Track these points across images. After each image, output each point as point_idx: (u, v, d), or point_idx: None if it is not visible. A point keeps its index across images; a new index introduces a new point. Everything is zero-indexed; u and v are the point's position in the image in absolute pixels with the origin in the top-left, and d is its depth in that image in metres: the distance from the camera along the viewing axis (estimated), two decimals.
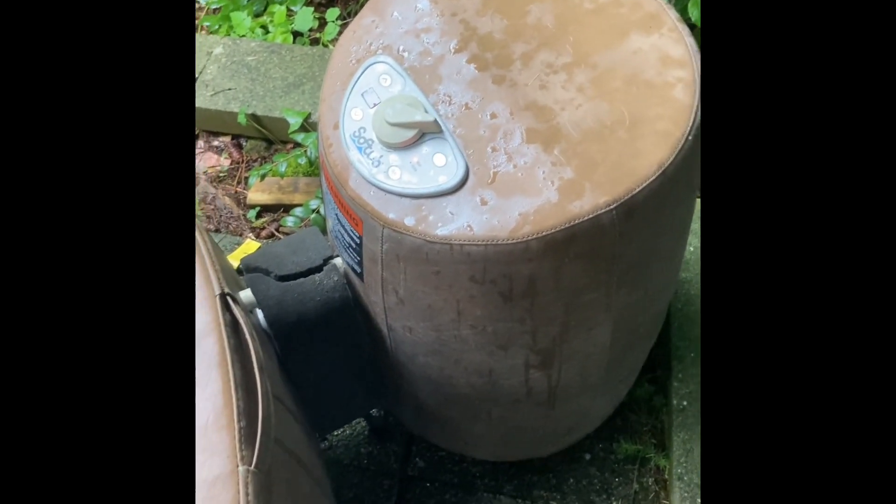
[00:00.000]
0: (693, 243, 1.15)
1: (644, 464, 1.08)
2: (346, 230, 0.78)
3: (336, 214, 0.80)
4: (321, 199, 1.29)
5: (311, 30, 1.55)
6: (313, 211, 1.28)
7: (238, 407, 0.60)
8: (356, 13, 1.41)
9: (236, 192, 1.40)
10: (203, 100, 1.42)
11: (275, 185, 1.36)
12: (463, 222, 0.70)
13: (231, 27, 1.58)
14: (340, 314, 0.83)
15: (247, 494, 0.56)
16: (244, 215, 1.37)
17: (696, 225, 1.12)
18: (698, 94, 0.72)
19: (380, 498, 1.07)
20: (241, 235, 1.34)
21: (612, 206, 0.68)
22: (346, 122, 0.76)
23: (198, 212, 1.37)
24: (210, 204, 1.38)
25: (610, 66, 0.75)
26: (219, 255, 0.76)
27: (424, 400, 0.93)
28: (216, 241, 1.31)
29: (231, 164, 1.43)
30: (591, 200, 0.68)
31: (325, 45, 1.53)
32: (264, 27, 1.57)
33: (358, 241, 0.77)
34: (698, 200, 1.03)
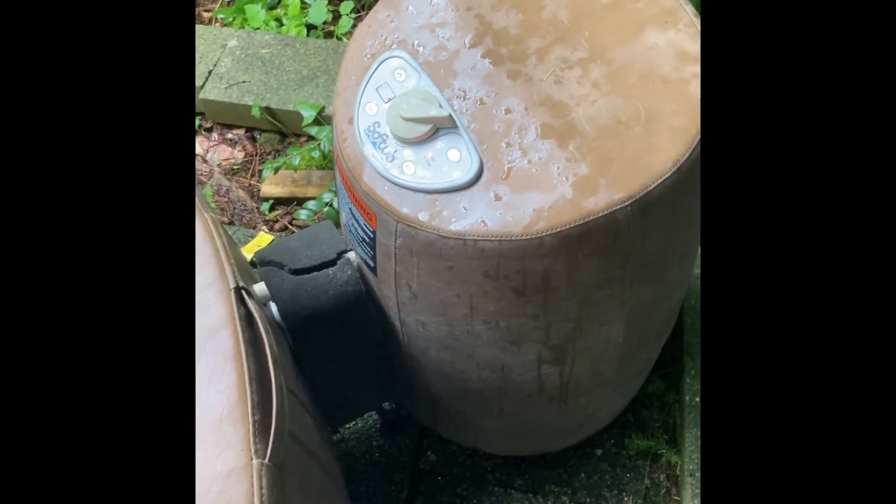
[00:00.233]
0: None
1: (655, 460, 1.08)
2: (359, 224, 0.78)
3: (350, 209, 0.80)
4: (334, 192, 1.29)
5: (325, 23, 1.55)
6: (326, 204, 1.28)
7: (252, 400, 0.61)
8: (370, 6, 1.41)
9: (250, 184, 1.40)
10: (217, 92, 1.43)
11: (288, 178, 1.36)
12: (477, 218, 0.70)
13: (245, 20, 1.58)
14: (353, 308, 0.83)
15: (260, 488, 0.57)
16: (258, 208, 1.37)
17: None
18: None
19: (391, 491, 1.07)
20: (254, 228, 1.34)
21: (626, 203, 0.68)
22: (360, 116, 0.76)
23: (212, 204, 1.37)
24: (224, 196, 1.39)
25: (625, 62, 0.74)
26: (233, 248, 0.76)
27: (436, 394, 0.93)
28: (230, 233, 1.31)
29: (245, 156, 1.44)
30: (606, 197, 0.68)
31: (339, 39, 1.53)
32: (278, 20, 1.57)
33: (371, 235, 0.77)
34: None
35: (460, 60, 0.76)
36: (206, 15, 1.64)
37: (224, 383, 0.61)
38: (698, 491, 1.01)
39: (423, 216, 0.71)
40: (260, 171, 1.41)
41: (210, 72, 1.45)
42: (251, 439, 0.59)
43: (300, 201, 1.35)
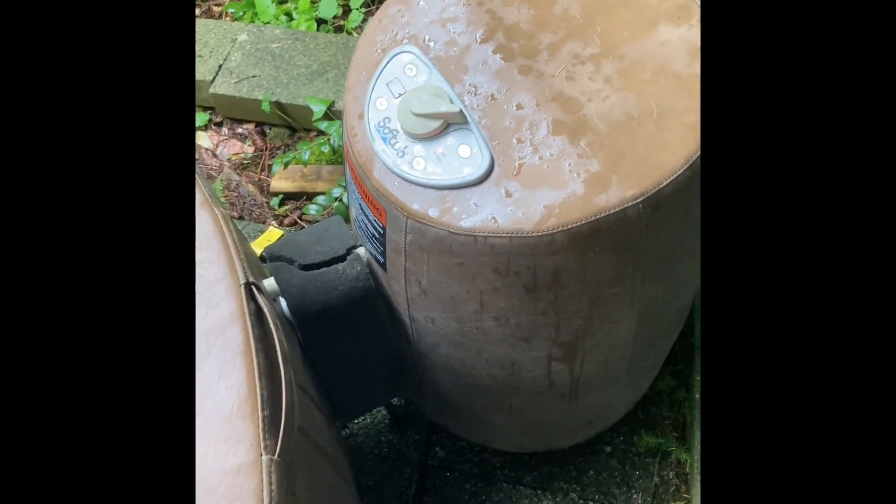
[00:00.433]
0: None
1: (665, 457, 1.08)
2: (369, 220, 0.78)
3: (360, 204, 0.80)
4: (344, 187, 1.29)
5: (335, 17, 1.55)
6: (336, 199, 1.28)
7: (262, 396, 0.61)
8: (381, 1, 1.41)
9: (260, 179, 1.40)
10: (227, 87, 1.43)
11: (298, 172, 1.36)
12: (487, 214, 0.69)
13: (255, 14, 1.58)
14: (363, 304, 0.83)
15: (270, 483, 0.57)
16: (267, 203, 1.37)
17: None
18: None
19: (399, 486, 1.08)
20: (264, 223, 1.34)
21: (638, 200, 0.68)
22: (370, 112, 0.75)
23: (221, 199, 1.37)
24: (234, 191, 1.39)
25: (638, 58, 0.74)
26: (243, 243, 0.76)
27: (445, 390, 0.93)
28: (240, 228, 1.31)
29: (255, 151, 1.44)
30: (618, 193, 0.68)
31: (350, 33, 1.53)
32: (288, 14, 1.57)
33: (381, 231, 0.77)
34: None
35: (471, 56, 0.76)
36: (216, 9, 1.64)
37: (234, 379, 0.61)
38: None
39: (433, 212, 0.70)
40: (270, 166, 1.41)
41: (220, 66, 1.45)
42: (261, 435, 0.59)
43: (310, 196, 1.35)
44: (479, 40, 0.77)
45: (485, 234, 0.69)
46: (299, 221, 1.34)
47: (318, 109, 1.35)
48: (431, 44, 0.77)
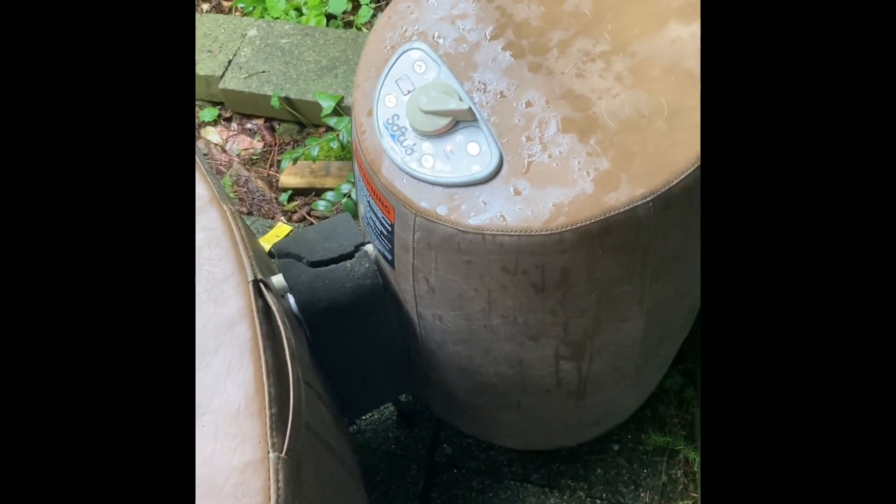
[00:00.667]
0: None
1: (673, 456, 1.08)
2: (377, 217, 0.78)
3: (368, 201, 0.80)
4: (353, 183, 1.29)
5: (344, 12, 1.55)
6: (345, 195, 1.28)
7: (269, 393, 0.61)
8: None
9: (269, 175, 1.40)
10: (237, 82, 1.43)
11: (307, 168, 1.36)
12: (496, 212, 0.69)
13: (265, 9, 1.57)
14: (371, 301, 0.83)
15: (277, 481, 0.57)
16: (276, 198, 1.37)
17: None
18: None
19: (407, 483, 1.08)
20: (272, 218, 1.35)
21: (648, 199, 0.67)
22: (379, 109, 0.75)
23: (230, 194, 1.37)
24: (243, 186, 1.39)
25: (649, 55, 0.73)
26: (251, 239, 0.76)
27: (453, 387, 0.93)
28: (248, 223, 1.31)
29: (264, 146, 1.44)
30: (628, 192, 0.67)
31: (359, 29, 1.53)
32: (298, 9, 1.56)
33: (390, 228, 0.76)
34: None
35: (481, 53, 0.76)
36: (226, 4, 1.64)
37: (241, 376, 0.61)
38: None
39: (441, 210, 0.70)
40: (279, 162, 1.41)
41: (230, 61, 1.45)
42: (268, 433, 0.59)
43: (318, 192, 1.35)
44: (488, 37, 0.76)
45: (493, 232, 0.69)
46: (308, 217, 1.34)
47: (328, 105, 1.35)
48: (441, 40, 0.77)
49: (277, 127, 1.46)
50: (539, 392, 0.88)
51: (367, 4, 1.54)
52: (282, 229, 1.30)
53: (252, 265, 0.68)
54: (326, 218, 1.31)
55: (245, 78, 1.43)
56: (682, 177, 0.68)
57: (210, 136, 1.46)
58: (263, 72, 1.43)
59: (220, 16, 1.55)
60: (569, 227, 0.67)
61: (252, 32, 1.49)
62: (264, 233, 1.30)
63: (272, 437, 0.59)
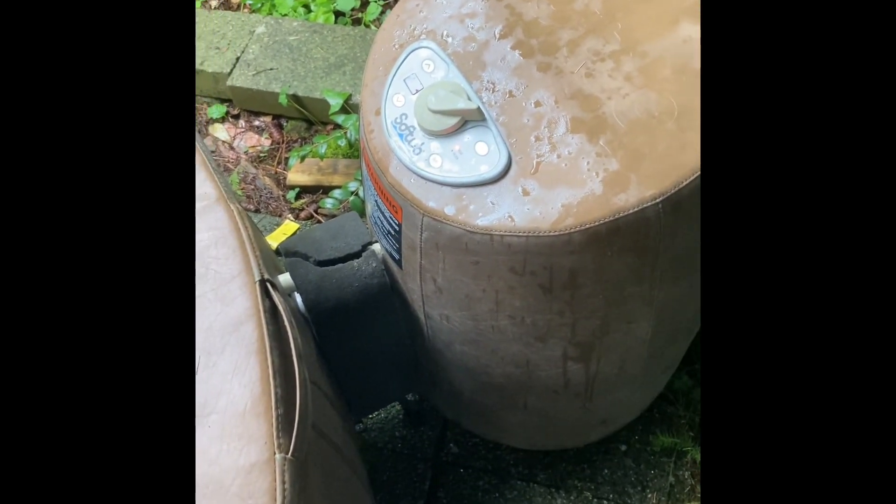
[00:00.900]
0: None
1: (680, 457, 1.07)
2: (385, 217, 0.78)
3: (375, 201, 0.79)
4: (360, 181, 1.29)
5: (353, 9, 1.54)
6: (352, 193, 1.28)
7: (276, 394, 0.60)
8: None
9: (276, 172, 1.40)
10: (245, 79, 1.43)
11: (314, 166, 1.36)
12: (504, 213, 0.69)
13: (273, 6, 1.57)
14: (378, 300, 0.83)
15: (283, 483, 0.56)
16: (284, 196, 1.37)
17: None
18: None
19: (413, 482, 1.07)
20: (280, 216, 1.34)
21: (657, 200, 0.67)
22: (387, 108, 0.75)
23: (238, 191, 1.37)
24: (250, 184, 1.39)
25: (659, 55, 0.73)
26: (258, 237, 0.76)
27: (460, 387, 0.93)
28: (256, 221, 1.31)
29: (271, 144, 1.44)
30: (637, 193, 0.67)
31: (367, 26, 1.52)
32: (306, 6, 1.56)
33: (397, 228, 0.76)
34: None
35: (490, 52, 0.75)
36: (234, 1, 1.64)
37: (248, 377, 0.61)
38: None
39: (449, 210, 0.70)
40: (286, 159, 1.41)
41: (238, 58, 1.45)
42: (274, 434, 0.59)
43: (326, 190, 1.35)
44: (497, 36, 0.76)
45: (501, 232, 0.68)
46: (315, 215, 1.34)
47: (335, 103, 1.35)
48: (449, 39, 0.77)
49: (285, 124, 1.45)
50: (546, 393, 0.88)
51: (375, 2, 1.54)
52: (289, 227, 1.30)
53: (259, 265, 0.68)
54: (334, 216, 1.31)
55: (253, 75, 1.43)
56: (692, 178, 0.67)
57: (218, 133, 1.46)
58: (271, 69, 1.43)
59: (229, 13, 1.55)
60: (577, 228, 0.67)
61: (260, 29, 1.49)
62: (272, 230, 1.30)
63: (278, 437, 0.59)
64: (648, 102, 0.70)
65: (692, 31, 0.74)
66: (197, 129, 1.46)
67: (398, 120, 0.74)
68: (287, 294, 0.80)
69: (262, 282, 0.66)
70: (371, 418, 1.12)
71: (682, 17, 0.75)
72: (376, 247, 0.84)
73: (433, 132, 0.72)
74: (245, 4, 1.61)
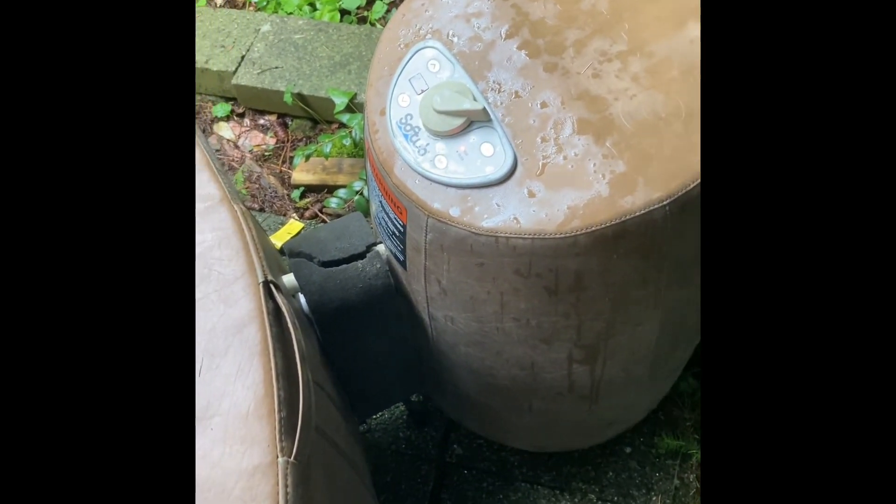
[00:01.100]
0: None
1: (686, 459, 1.06)
2: (389, 218, 0.77)
3: (380, 201, 0.79)
4: (365, 180, 1.28)
5: (358, 8, 1.54)
6: (357, 192, 1.27)
7: (279, 397, 0.60)
8: None
9: (281, 171, 1.40)
10: (250, 78, 1.42)
11: (319, 165, 1.36)
12: (509, 214, 0.68)
13: (279, 4, 1.57)
14: (382, 301, 0.82)
15: (286, 486, 0.56)
16: (288, 195, 1.37)
17: None
18: None
19: (417, 483, 1.07)
20: (284, 215, 1.34)
21: (665, 202, 0.66)
22: (392, 108, 0.74)
23: (242, 190, 1.37)
24: (255, 183, 1.38)
25: (666, 56, 0.72)
26: (262, 238, 0.76)
27: (464, 389, 0.92)
28: (260, 220, 1.31)
29: (276, 143, 1.43)
30: (644, 195, 0.66)
31: (373, 24, 1.52)
32: (312, 4, 1.56)
33: (402, 229, 0.76)
34: None
35: (496, 52, 0.75)
36: None
37: (251, 379, 0.61)
38: None
39: (454, 212, 0.69)
40: (291, 158, 1.40)
41: (243, 57, 1.45)
42: (277, 436, 0.58)
43: (331, 189, 1.34)
44: (503, 36, 0.75)
45: (506, 234, 0.68)
46: (320, 214, 1.33)
47: (340, 102, 1.34)
48: (455, 39, 0.76)
49: (290, 123, 1.45)
50: (551, 395, 0.87)
51: (381, 0, 1.53)
52: (293, 226, 1.29)
53: (263, 266, 0.67)
54: (339, 215, 1.30)
55: (258, 73, 1.42)
56: (700, 180, 0.67)
57: (223, 131, 1.46)
58: (276, 67, 1.43)
59: (234, 11, 1.55)
60: (583, 231, 0.66)
61: (265, 28, 1.49)
62: (276, 229, 1.30)
63: (281, 440, 0.58)
64: (656, 104, 0.70)
65: (700, 31, 0.73)
66: (202, 127, 1.46)
67: (403, 120, 0.73)
68: (291, 295, 0.80)
69: (266, 283, 0.66)
70: (375, 419, 1.12)
71: (690, 18, 0.74)
72: (381, 248, 0.83)
73: (438, 133, 0.71)
74: (250, 2, 1.61)
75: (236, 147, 1.44)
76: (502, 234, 0.68)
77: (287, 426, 0.59)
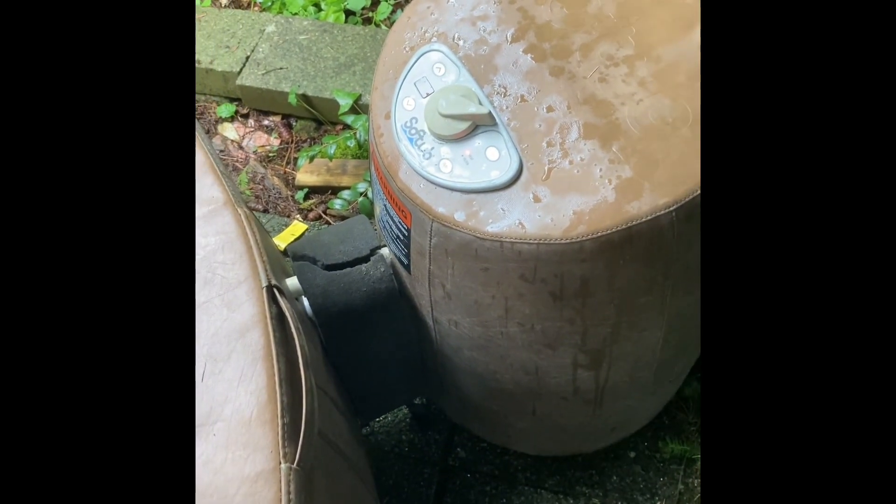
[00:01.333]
0: None
1: (690, 464, 1.06)
2: (394, 221, 0.77)
3: (384, 205, 0.78)
4: (369, 182, 1.28)
5: (363, 9, 1.54)
6: (361, 194, 1.27)
7: (282, 402, 0.60)
8: None
9: (285, 172, 1.40)
10: (254, 78, 1.42)
11: (323, 166, 1.35)
12: (514, 219, 0.68)
13: (284, 5, 1.56)
14: (386, 305, 0.82)
15: (288, 493, 0.56)
16: (292, 196, 1.36)
17: None
18: None
19: (419, 486, 1.07)
20: (288, 216, 1.34)
21: (671, 208, 0.66)
22: (397, 111, 0.74)
23: (246, 191, 1.37)
24: (259, 184, 1.38)
25: (674, 60, 0.72)
26: (266, 241, 0.76)
27: (468, 392, 0.92)
28: (264, 221, 1.31)
29: (280, 143, 1.43)
30: (650, 201, 0.66)
31: (378, 25, 1.51)
32: (317, 5, 1.55)
33: (406, 233, 0.75)
34: None
35: (502, 55, 0.74)
36: None
37: (254, 384, 0.60)
38: None
39: (459, 216, 0.69)
40: (295, 159, 1.40)
41: (248, 57, 1.45)
42: (280, 442, 0.58)
43: (335, 190, 1.34)
44: (509, 40, 0.75)
45: (511, 239, 0.67)
46: (324, 216, 1.33)
47: (345, 103, 1.34)
48: (461, 42, 0.76)
49: (294, 124, 1.45)
50: (555, 399, 0.87)
51: (385, 1, 1.53)
52: (297, 227, 1.29)
53: (266, 270, 0.67)
54: (342, 216, 1.30)
55: (263, 74, 1.42)
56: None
57: (227, 132, 1.46)
58: (281, 68, 1.42)
59: (239, 11, 1.55)
60: (589, 236, 0.66)
61: (270, 28, 1.48)
62: (280, 231, 1.29)
63: (284, 446, 0.58)
64: (662, 108, 0.69)
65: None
66: (206, 128, 1.46)
67: (408, 124, 0.73)
68: (294, 298, 0.79)
69: (269, 287, 0.66)
70: (378, 422, 1.12)
71: (697, 22, 0.73)
72: (385, 251, 0.83)
73: (443, 137, 0.71)
74: (255, 3, 1.61)
75: (240, 148, 1.43)
76: (507, 240, 0.68)
77: (290, 432, 0.59)
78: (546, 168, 0.69)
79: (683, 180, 0.66)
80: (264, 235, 0.78)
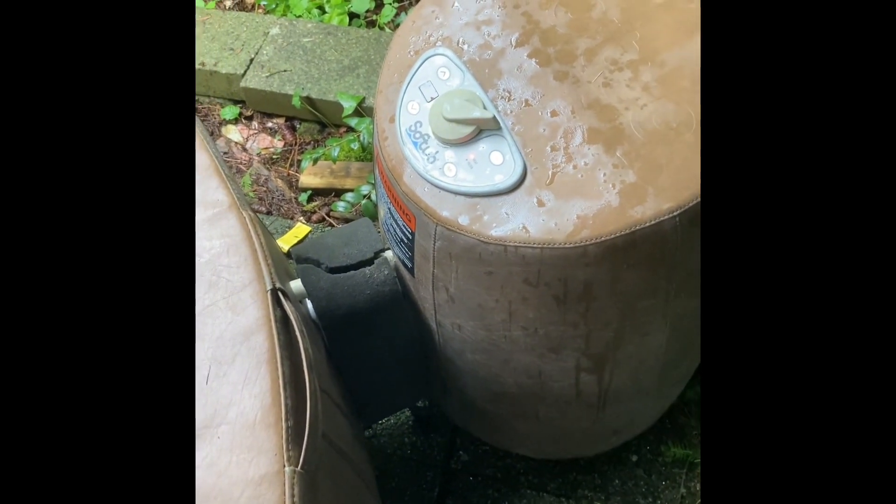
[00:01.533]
0: None
1: (692, 468, 1.06)
2: (398, 225, 0.77)
3: (389, 208, 0.79)
4: (372, 184, 1.28)
5: (367, 11, 1.54)
6: (364, 196, 1.27)
7: (286, 405, 0.60)
8: None
9: (289, 174, 1.40)
10: (258, 81, 1.42)
11: (327, 169, 1.36)
12: (518, 223, 0.68)
13: (288, 7, 1.57)
14: (389, 308, 0.82)
15: (292, 496, 0.56)
16: (296, 198, 1.37)
17: None
18: None
19: (422, 489, 1.07)
20: (292, 218, 1.34)
21: (675, 213, 0.66)
22: (402, 115, 0.74)
23: (250, 193, 1.37)
24: (262, 186, 1.38)
25: (678, 65, 0.72)
26: (270, 244, 0.76)
27: (471, 396, 0.92)
28: (267, 223, 1.31)
29: (284, 146, 1.43)
30: (654, 206, 0.66)
31: (382, 28, 1.52)
32: (321, 8, 1.56)
33: (410, 236, 0.76)
34: None
35: (506, 60, 0.74)
36: (248, 1, 1.64)
37: (258, 387, 0.61)
38: None
39: (463, 220, 0.69)
40: (299, 161, 1.40)
41: (252, 60, 1.45)
42: (284, 445, 0.58)
43: (338, 192, 1.34)
44: (514, 44, 0.75)
45: (515, 243, 0.68)
46: (327, 218, 1.33)
47: (349, 105, 1.34)
48: (465, 47, 0.76)
49: (298, 126, 1.45)
50: (558, 403, 0.87)
51: (389, 3, 1.53)
52: (301, 230, 1.29)
53: (271, 273, 0.67)
54: (346, 219, 1.30)
55: (267, 77, 1.42)
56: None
57: (231, 134, 1.46)
58: (285, 71, 1.43)
59: (243, 13, 1.55)
60: (593, 241, 0.66)
61: (274, 31, 1.49)
62: (283, 233, 1.29)
63: (288, 450, 0.58)
64: (667, 113, 0.69)
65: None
66: (210, 130, 1.46)
67: (413, 128, 0.73)
68: (298, 301, 0.79)
69: (274, 291, 0.66)
70: (380, 424, 1.12)
71: None
72: (389, 254, 0.83)
73: (448, 141, 0.71)
74: (259, 5, 1.61)
75: (244, 150, 1.44)
76: (511, 243, 0.68)
77: (294, 435, 0.59)
78: (550, 172, 0.69)
79: (687, 185, 0.66)
80: (269, 238, 0.78)
